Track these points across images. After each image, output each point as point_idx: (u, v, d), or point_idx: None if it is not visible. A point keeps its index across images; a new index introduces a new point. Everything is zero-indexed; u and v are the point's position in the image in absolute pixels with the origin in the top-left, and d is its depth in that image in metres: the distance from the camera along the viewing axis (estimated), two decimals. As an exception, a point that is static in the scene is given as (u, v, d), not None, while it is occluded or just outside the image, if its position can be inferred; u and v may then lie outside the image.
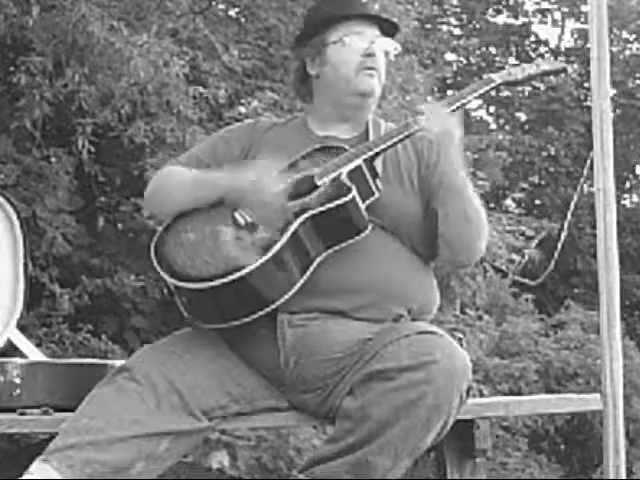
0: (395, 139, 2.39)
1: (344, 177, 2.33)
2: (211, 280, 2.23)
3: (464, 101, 2.43)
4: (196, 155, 2.56)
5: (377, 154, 2.39)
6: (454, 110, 2.40)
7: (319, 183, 2.34)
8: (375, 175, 2.38)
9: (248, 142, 2.52)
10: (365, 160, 2.36)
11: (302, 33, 2.58)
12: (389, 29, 2.56)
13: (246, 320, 2.27)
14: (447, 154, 2.35)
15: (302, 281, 2.28)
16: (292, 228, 2.27)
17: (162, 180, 2.51)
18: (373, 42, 2.47)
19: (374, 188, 2.36)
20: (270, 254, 2.23)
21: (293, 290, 2.27)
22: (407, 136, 2.38)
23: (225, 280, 2.22)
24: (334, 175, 2.34)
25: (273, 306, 2.26)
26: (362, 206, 2.32)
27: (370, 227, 2.33)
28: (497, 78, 2.46)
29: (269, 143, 2.51)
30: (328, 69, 2.49)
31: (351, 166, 2.35)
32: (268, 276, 2.24)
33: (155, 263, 2.32)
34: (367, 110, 2.53)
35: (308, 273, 2.29)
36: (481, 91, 2.47)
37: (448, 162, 2.36)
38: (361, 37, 2.47)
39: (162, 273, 2.30)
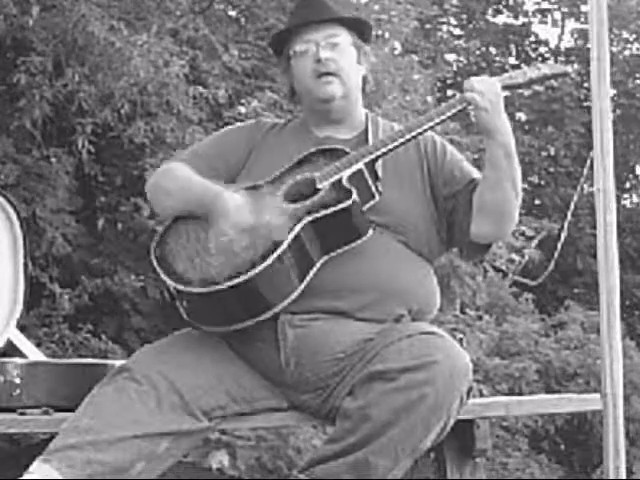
0: (398, 141, 2.39)
1: (345, 181, 2.33)
2: (213, 284, 2.23)
3: (464, 105, 2.42)
4: (200, 152, 2.56)
5: (379, 157, 2.40)
6: (457, 112, 2.42)
7: (320, 186, 2.34)
8: (376, 178, 2.38)
9: (251, 141, 2.53)
10: (366, 163, 2.37)
11: (274, 51, 2.62)
12: (354, 24, 2.55)
13: (248, 324, 2.27)
14: (502, 116, 2.37)
15: (304, 284, 2.28)
16: (294, 232, 2.27)
17: (160, 180, 2.51)
18: (319, 45, 2.46)
19: (374, 192, 2.37)
20: (272, 258, 2.23)
21: (295, 294, 2.27)
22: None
23: (227, 284, 2.21)
24: (335, 179, 2.34)
25: (275, 310, 2.26)
26: (364, 211, 2.32)
27: (371, 232, 2.33)
28: (498, 82, 2.46)
29: (270, 144, 2.52)
30: (295, 82, 2.54)
31: (352, 169, 2.35)
32: (270, 280, 2.24)
33: (155, 265, 2.32)
34: (347, 108, 2.53)
35: (309, 277, 2.29)
36: None
37: (505, 124, 2.38)
38: (309, 45, 2.48)
39: (162, 275, 2.30)
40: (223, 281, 2.22)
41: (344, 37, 2.50)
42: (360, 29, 2.55)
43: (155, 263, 2.32)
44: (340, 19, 2.53)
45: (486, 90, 2.35)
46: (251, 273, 2.21)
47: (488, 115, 2.35)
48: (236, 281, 2.21)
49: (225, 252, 2.27)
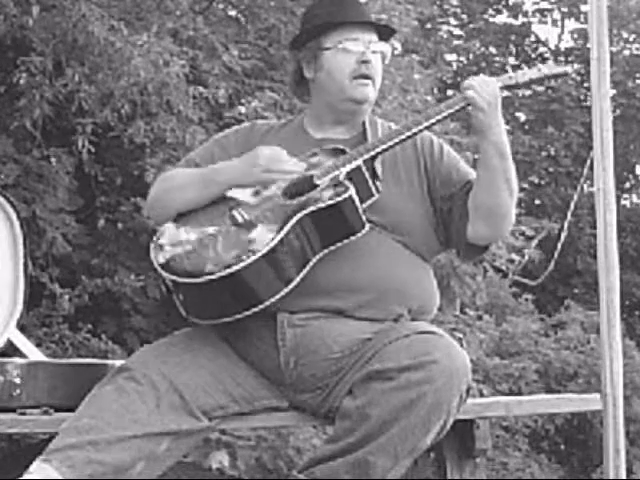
0: (396, 140, 2.39)
1: (342, 177, 2.34)
2: (205, 275, 2.23)
3: (463, 104, 2.42)
4: (194, 161, 2.56)
5: (377, 155, 2.40)
6: (456, 112, 2.42)
7: (318, 182, 2.35)
8: (375, 176, 2.39)
9: (245, 146, 2.52)
10: (365, 161, 2.37)
11: (298, 36, 2.58)
12: (385, 32, 2.56)
13: (240, 316, 2.27)
14: (498, 117, 2.36)
15: (298, 279, 2.28)
16: (288, 226, 2.27)
17: (163, 185, 2.51)
18: (368, 48, 2.46)
19: (373, 189, 2.37)
20: (264, 251, 2.23)
21: (288, 288, 2.27)
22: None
23: (219, 275, 2.22)
24: (333, 175, 2.35)
25: (267, 303, 2.26)
26: (360, 206, 2.32)
27: (367, 227, 2.33)
28: (498, 82, 2.46)
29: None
30: (323, 75, 2.50)
31: (350, 166, 2.35)
32: (262, 273, 2.24)
33: (153, 259, 2.33)
34: (363, 114, 2.54)
35: (304, 272, 2.29)
36: None
37: (500, 125, 2.37)
38: (356, 43, 2.47)
39: (159, 269, 2.31)
40: (213, 273, 2.22)
41: (384, 46, 2.51)
42: (388, 42, 2.56)
43: (153, 258, 2.33)
44: (384, 28, 2.54)
45: (484, 90, 2.35)
46: (240, 265, 2.22)
47: (484, 115, 2.35)
48: (224, 273, 2.21)
49: (218, 245, 2.28)
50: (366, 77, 2.46)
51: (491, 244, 2.54)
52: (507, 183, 2.39)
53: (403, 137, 2.40)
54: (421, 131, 2.43)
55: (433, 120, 2.41)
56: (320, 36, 2.49)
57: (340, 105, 2.50)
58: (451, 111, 2.41)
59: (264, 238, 2.25)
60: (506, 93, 2.45)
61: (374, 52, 2.48)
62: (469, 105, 2.37)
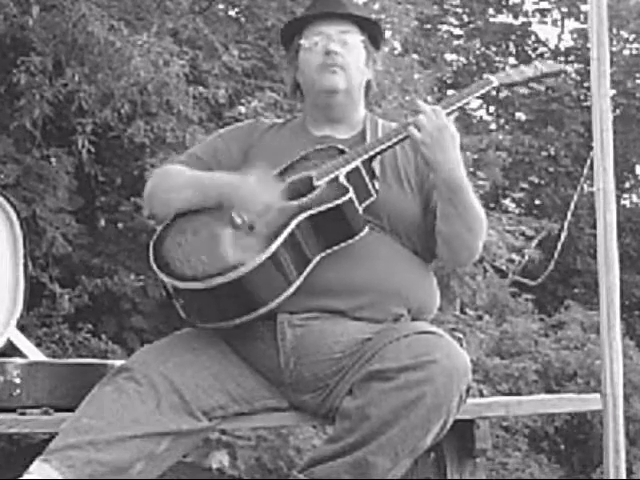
0: (395, 140, 2.39)
1: (342, 178, 2.33)
2: (207, 280, 2.23)
3: (463, 102, 2.42)
4: (196, 155, 2.56)
5: (375, 155, 2.40)
6: (453, 111, 2.41)
7: (317, 184, 2.35)
8: (373, 177, 2.38)
9: (247, 143, 2.53)
10: (363, 162, 2.37)
11: (282, 43, 2.62)
12: (365, 23, 2.55)
13: (243, 320, 2.27)
14: (447, 151, 2.31)
15: (299, 282, 2.28)
16: (289, 229, 2.27)
17: (160, 180, 2.51)
18: (331, 39, 2.46)
19: (372, 190, 2.36)
20: (266, 254, 2.23)
21: (290, 291, 2.27)
22: (406, 137, 2.38)
23: (221, 280, 2.21)
24: (332, 176, 2.35)
25: (270, 306, 2.26)
26: (359, 208, 2.32)
27: (367, 229, 2.33)
28: (495, 80, 2.46)
29: (268, 144, 2.52)
30: (300, 74, 2.53)
31: (349, 167, 2.35)
32: (264, 276, 2.24)
33: (153, 263, 2.33)
34: (348, 107, 2.53)
35: (305, 274, 2.29)
36: (479, 93, 2.47)
37: (450, 159, 2.32)
38: (321, 37, 2.48)
39: (159, 273, 2.30)
40: (215, 277, 2.22)
41: (356, 36, 2.51)
42: (373, 33, 2.55)
43: (152, 262, 2.33)
44: (355, 18, 2.52)
45: (428, 124, 2.32)
46: (243, 269, 2.21)
47: (427, 148, 2.31)
48: (227, 277, 2.21)
49: (218, 249, 2.28)
50: (333, 65, 2.46)
51: (465, 264, 2.54)
52: (461, 217, 2.36)
53: (402, 137, 2.40)
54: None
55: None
56: (294, 38, 2.53)
57: (317, 100, 2.51)
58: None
59: (264, 241, 2.25)
60: (505, 92, 2.44)
61: (345, 41, 2.47)
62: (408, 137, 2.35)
